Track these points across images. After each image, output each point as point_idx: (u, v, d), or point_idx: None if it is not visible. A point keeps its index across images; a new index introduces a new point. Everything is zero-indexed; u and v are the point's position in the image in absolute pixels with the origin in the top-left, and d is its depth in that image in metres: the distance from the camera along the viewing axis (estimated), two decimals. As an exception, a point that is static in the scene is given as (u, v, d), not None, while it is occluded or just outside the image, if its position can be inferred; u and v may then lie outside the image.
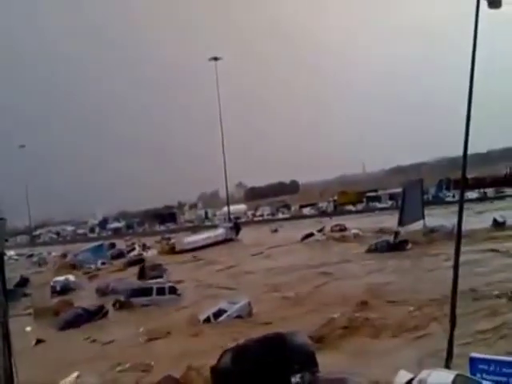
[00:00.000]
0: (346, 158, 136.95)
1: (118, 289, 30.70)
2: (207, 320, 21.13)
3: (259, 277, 31.58)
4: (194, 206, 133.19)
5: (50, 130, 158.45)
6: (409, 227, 37.98)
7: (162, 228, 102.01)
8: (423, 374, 8.85)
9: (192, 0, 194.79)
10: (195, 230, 76.36)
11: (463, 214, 11.16)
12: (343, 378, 11.26)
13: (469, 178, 51.27)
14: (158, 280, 30.96)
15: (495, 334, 15.07)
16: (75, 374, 14.25)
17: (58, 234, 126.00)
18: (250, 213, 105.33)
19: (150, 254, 52.83)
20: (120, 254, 55.22)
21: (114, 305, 27.44)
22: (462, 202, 11.26)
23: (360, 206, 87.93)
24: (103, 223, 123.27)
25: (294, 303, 23.12)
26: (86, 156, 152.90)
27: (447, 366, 9.82)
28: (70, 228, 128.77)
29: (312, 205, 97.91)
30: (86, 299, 29.86)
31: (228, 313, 21.11)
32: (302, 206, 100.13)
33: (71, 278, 37.85)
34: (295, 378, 11.76)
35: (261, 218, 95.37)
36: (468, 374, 9.07)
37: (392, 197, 79.35)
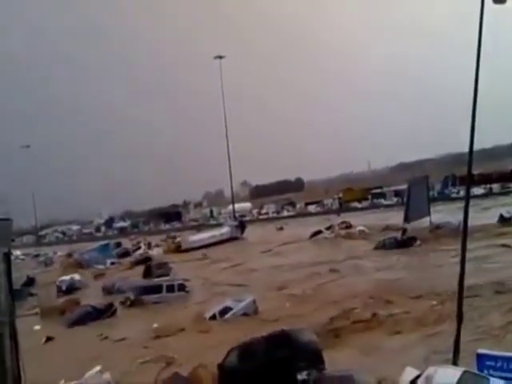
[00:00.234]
0: (351, 156, 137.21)
1: (124, 288, 30.73)
2: (213, 317, 21.15)
3: (266, 274, 31.52)
4: (199, 205, 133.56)
5: (55, 130, 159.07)
6: (415, 224, 37.91)
7: (168, 227, 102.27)
8: (430, 370, 8.81)
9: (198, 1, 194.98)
10: (200, 228, 76.46)
11: (469, 210, 11.09)
12: (350, 375, 11.21)
13: (475, 173, 51.14)
14: (167, 278, 31.03)
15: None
16: (98, 368, 14.08)
17: (63, 233, 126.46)
18: (255, 211, 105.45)
19: (156, 253, 52.92)
20: (126, 253, 55.40)
21: (124, 302, 27.52)
22: (467, 198, 11.20)
23: (365, 203, 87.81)
24: (109, 222, 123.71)
25: (301, 300, 23.05)
26: (91, 156, 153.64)
27: (454, 363, 9.77)
28: (75, 227, 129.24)
29: (317, 202, 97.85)
30: (92, 298, 29.89)
31: (234, 310, 21.13)
32: (307, 204, 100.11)
33: (77, 277, 37.87)
34: (301, 376, 11.72)
35: (266, 216, 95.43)
36: (475, 371, 9.02)
37: (397, 193, 79.23)
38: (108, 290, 32.07)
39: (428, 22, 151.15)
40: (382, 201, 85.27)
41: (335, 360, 13.00)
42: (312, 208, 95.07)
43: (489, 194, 70.39)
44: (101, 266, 47.36)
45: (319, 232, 46.84)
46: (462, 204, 11.61)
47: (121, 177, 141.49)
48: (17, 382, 7.00)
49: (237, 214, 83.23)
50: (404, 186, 55.90)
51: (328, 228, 48.02)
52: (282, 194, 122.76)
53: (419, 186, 41.12)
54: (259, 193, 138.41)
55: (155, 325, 21.71)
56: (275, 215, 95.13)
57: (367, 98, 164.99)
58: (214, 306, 22.10)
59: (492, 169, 78.50)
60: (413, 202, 38.79)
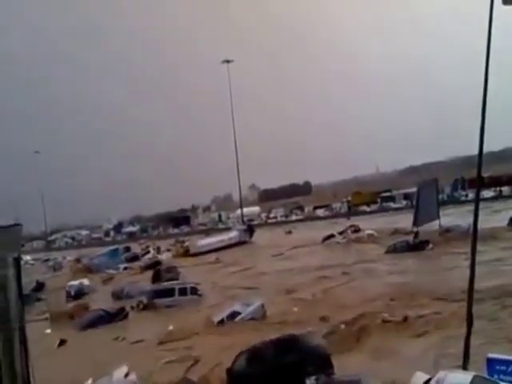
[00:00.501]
0: (360, 159, 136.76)
1: (133, 292, 30.85)
2: (221, 322, 21.12)
3: (276, 278, 31.44)
4: (207, 209, 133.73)
5: (64, 136, 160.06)
6: (424, 227, 37.73)
7: (176, 231, 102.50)
8: (440, 375, 8.73)
9: (197, 1, 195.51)
10: (209, 232, 76.62)
11: (479, 213, 11.01)
12: (358, 380, 11.15)
13: (484, 176, 50.74)
14: (179, 281, 31.12)
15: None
16: (125, 369, 13.92)
17: (73, 238, 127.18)
18: (263, 215, 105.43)
19: (165, 257, 53.10)
20: (135, 258, 55.66)
21: (137, 306, 27.68)
22: (477, 201, 11.11)
23: (374, 207, 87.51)
24: (118, 227, 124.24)
25: (313, 303, 23.00)
26: (101, 161, 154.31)
27: (464, 367, 9.69)
28: (84, 232, 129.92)
29: (326, 206, 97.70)
30: (101, 303, 29.99)
31: (242, 315, 21.09)
32: (315, 208, 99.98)
33: (86, 282, 38.03)
34: (310, 380, 11.68)
35: (274, 220, 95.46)
36: (485, 375, 8.95)
37: (406, 197, 78.98)
38: (117, 295, 32.16)
39: (440, 20, 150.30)
40: (391, 204, 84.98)
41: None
42: (320, 212, 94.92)
43: (499, 196, 70.00)
44: (113, 271, 47.52)
45: (331, 236, 46.66)
46: (471, 207, 11.52)
47: (129, 182, 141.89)
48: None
49: (245, 218, 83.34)
50: (413, 189, 55.76)
51: (341, 233, 47.57)
52: (291, 198, 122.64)
53: (428, 189, 40.93)
54: (268, 196, 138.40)
55: (170, 327, 21.80)
56: (284, 219, 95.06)
57: (376, 101, 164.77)
58: (222, 311, 22.08)
59: (502, 171, 78.01)
60: (422, 206, 38.61)
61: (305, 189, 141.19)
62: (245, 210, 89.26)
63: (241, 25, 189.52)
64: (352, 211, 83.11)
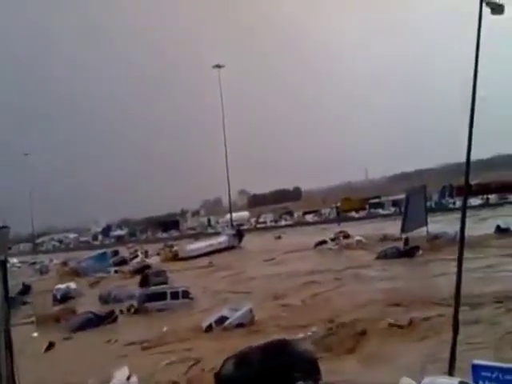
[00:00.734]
0: (349, 165, 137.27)
1: (121, 296, 30.69)
2: (209, 327, 21.04)
3: (266, 283, 31.35)
4: (196, 214, 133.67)
5: (53, 138, 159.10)
6: (412, 234, 37.89)
7: (165, 235, 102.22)
8: (426, 381, 8.77)
9: (193, 3, 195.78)
10: (198, 237, 76.49)
11: (466, 221, 11.09)
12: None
13: (472, 184, 51.21)
14: (169, 285, 31.00)
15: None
16: (126, 372, 13.73)
17: (60, 241, 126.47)
18: (252, 220, 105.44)
19: (153, 261, 52.83)
20: (123, 261, 55.26)
21: (128, 310, 27.50)
22: (464, 209, 11.21)
23: (363, 213, 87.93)
24: (106, 231, 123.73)
25: (304, 309, 22.98)
26: (89, 164, 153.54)
27: (450, 373, 9.75)
28: (72, 236, 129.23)
29: (315, 211, 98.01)
30: (88, 306, 29.73)
31: (230, 320, 21.03)
32: (305, 213, 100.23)
33: (73, 285, 37.73)
34: (297, 386, 11.68)
35: (264, 225, 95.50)
36: (471, 382, 9.00)
37: (395, 203, 79.37)
38: (104, 299, 31.95)
39: (431, 25, 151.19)
40: (380, 210, 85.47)
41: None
42: (310, 217, 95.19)
43: (486, 204, 70.67)
44: (100, 275, 47.18)
45: (324, 242, 46.67)
46: (459, 214, 11.60)
47: (118, 185, 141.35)
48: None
49: (234, 223, 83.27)
50: (402, 196, 56.05)
51: (333, 239, 47.51)
52: (280, 203, 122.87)
53: (417, 196, 41.11)
54: (257, 202, 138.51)
55: (164, 328, 21.79)
56: (273, 224, 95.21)
57: (367, 106, 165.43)
58: (210, 316, 21.99)
59: (491, 179, 78.66)
60: (410, 212, 38.78)
61: (294, 194, 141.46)
62: (234, 214, 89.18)
63: (240, 25, 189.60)
64: (341, 217, 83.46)
